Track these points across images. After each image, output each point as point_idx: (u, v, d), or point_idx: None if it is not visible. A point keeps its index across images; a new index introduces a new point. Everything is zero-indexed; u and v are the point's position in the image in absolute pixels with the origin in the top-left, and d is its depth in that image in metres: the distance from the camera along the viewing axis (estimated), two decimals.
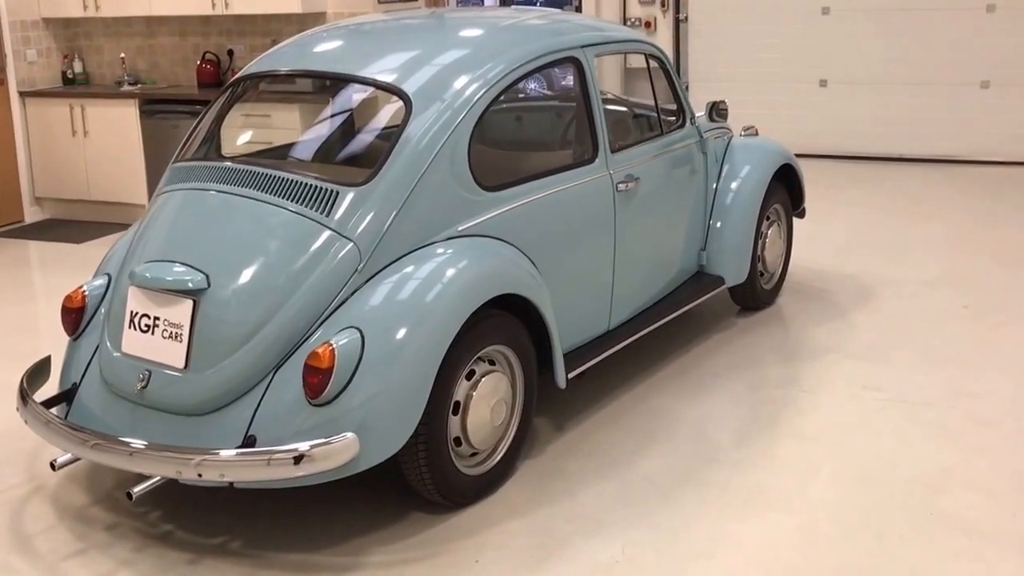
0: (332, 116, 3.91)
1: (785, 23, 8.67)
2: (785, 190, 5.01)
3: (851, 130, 8.62)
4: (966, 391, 4.00)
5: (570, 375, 3.57)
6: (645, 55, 4.24)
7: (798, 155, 5.17)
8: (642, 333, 4.00)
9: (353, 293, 3.02)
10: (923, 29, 8.24)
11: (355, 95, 3.80)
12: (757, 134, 5.04)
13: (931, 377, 4.14)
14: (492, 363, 3.28)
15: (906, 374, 4.17)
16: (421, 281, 3.06)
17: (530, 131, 4.53)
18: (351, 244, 3.04)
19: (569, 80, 4.35)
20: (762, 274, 4.90)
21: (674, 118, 4.38)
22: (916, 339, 4.56)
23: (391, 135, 3.25)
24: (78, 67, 7.68)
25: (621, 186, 3.78)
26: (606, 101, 4.18)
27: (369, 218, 3.07)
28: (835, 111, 8.65)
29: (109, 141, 7.07)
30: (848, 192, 7.52)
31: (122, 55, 7.50)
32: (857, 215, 6.87)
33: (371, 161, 3.20)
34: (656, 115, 4.25)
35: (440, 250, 3.16)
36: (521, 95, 4.69)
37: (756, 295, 4.86)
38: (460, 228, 3.23)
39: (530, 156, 3.95)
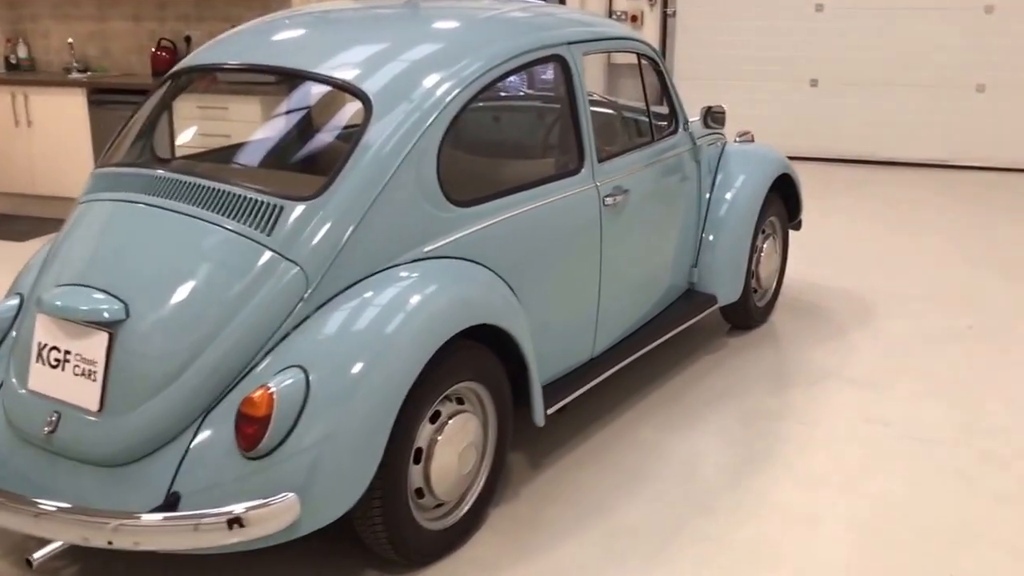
0: (285, 117, 3.49)
1: (777, 20, 8.32)
2: (781, 201, 4.66)
3: (842, 132, 8.30)
4: (979, 426, 3.66)
5: (549, 411, 3.19)
6: (637, 54, 3.86)
7: (787, 157, 4.83)
8: (628, 360, 3.63)
9: (298, 325, 2.63)
10: (919, 29, 7.92)
11: (311, 94, 3.39)
12: (752, 140, 4.68)
13: (939, 409, 3.80)
14: (461, 402, 2.90)
15: (912, 405, 3.83)
16: (380, 310, 2.66)
17: (509, 139, 4.13)
18: (296, 268, 2.64)
19: (553, 81, 3.96)
20: (755, 291, 4.55)
21: (666, 123, 4.01)
22: (920, 363, 4.22)
23: (348, 141, 2.85)
24: (22, 52, 7.19)
25: (609, 200, 3.41)
26: (593, 104, 3.80)
27: (319, 237, 2.67)
28: (826, 112, 8.33)
29: (55, 132, 6.60)
30: (840, 198, 7.19)
31: (70, 40, 7.02)
32: (851, 223, 6.54)
33: (324, 171, 2.80)
34: (647, 120, 3.87)
35: (403, 274, 2.77)
36: (499, 98, 4.29)
37: (749, 313, 4.51)
38: (427, 248, 2.84)
39: (508, 166, 3.56)
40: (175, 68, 3.45)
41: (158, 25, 6.87)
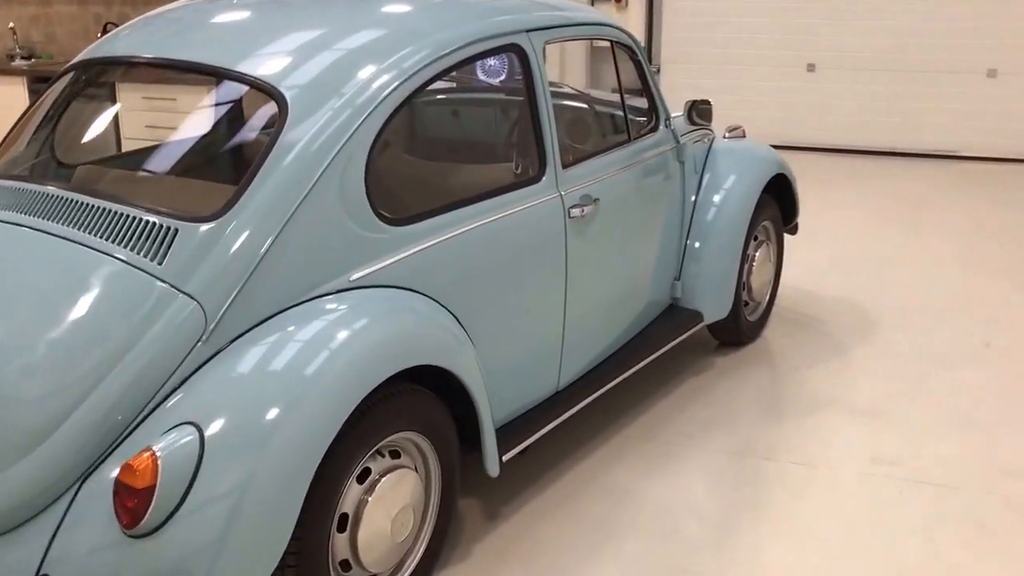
0: (199, 119, 3.03)
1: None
2: (775, 203, 4.22)
3: (842, 120, 7.82)
4: (1002, 467, 3.22)
5: (506, 457, 2.75)
6: (610, 41, 3.40)
7: (781, 147, 4.39)
8: (599, 393, 3.19)
9: (194, 372, 2.19)
10: (926, 9, 7.44)
11: (227, 93, 2.93)
12: (744, 136, 4.23)
13: (955, 445, 3.36)
14: (396, 456, 2.46)
15: (924, 440, 3.39)
16: (295, 351, 2.21)
17: (456, 143, 3.65)
18: (193, 303, 2.19)
19: (510, 74, 3.50)
20: (747, 304, 4.11)
21: (645, 119, 3.55)
22: (931, 388, 3.79)
23: (258, 150, 2.39)
24: None
25: (575, 211, 2.95)
26: (558, 97, 3.34)
27: (220, 266, 2.22)
28: (824, 99, 7.85)
29: None
30: (839, 192, 6.74)
31: (12, 25, 6.52)
32: (850, 221, 6.09)
33: (228, 187, 2.36)
34: (623, 116, 3.42)
35: (326, 307, 2.32)
36: (445, 94, 3.80)
37: (739, 329, 4.06)
38: (354, 276, 2.38)
39: (455, 175, 3.11)
40: (74, 60, 3.00)
41: (105, 9, 6.39)
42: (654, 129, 3.53)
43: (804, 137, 7.81)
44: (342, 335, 2.26)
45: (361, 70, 2.51)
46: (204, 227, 2.25)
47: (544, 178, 2.88)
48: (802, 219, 4.57)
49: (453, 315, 2.58)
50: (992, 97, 7.43)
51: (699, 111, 3.71)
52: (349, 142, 2.38)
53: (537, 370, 2.97)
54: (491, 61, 3.63)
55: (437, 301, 2.55)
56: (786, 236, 4.41)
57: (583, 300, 3.07)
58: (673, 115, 3.65)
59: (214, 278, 2.21)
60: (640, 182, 3.38)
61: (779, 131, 7.67)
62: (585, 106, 3.67)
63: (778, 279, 4.37)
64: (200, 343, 2.19)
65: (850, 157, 7.87)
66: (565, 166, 2.96)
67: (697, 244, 3.80)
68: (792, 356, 4.10)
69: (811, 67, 7.85)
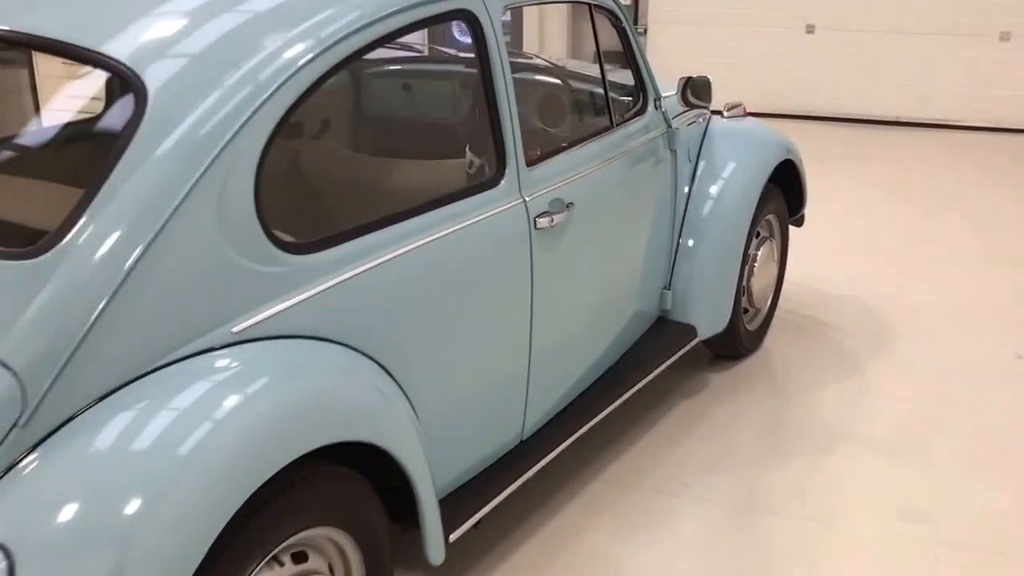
0: (36, 113, 2.38)
1: None
2: (780, 193, 3.62)
3: (844, 87, 7.21)
4: None
5: (453, 537, 2.18)
6: (588, 5, 2.77)
7: (778, 116, 3.78)
8: (573, 438, 2.61)
9: (9, 470, 1.59)
10: None
11: (82, 77, 2.27)
12: (745, 114, 3.62)
13: (997, 492, 2.80)
14: (303, 559, 1.87)
15: (959, 487, 2.83)
16: (154, 433, 1.61)
17: (386, 138, 2.98)
18: (7, 374, 1.59)
19: (459, 47, 2.87)
20: (746, 311, 3.53)
21: (630, 99, 2.94)
22: (961, 415, 3.23)
23: (106, 156, 1.77)
24: None
25: (543, 220, 2.34)
26: (524, 72, 2.74)
27: (44, 320, 1.61)
28: (825, 63, 7.23)
29: None
30: (842, 167, 6.14)
31: None
32: (855, 201, 5.50)
33: (61, 208, 1.74)
34: (604, 95, 2.80)
35: (205, 365, 1.73)
36: (372, 74, 3.11)
37: (737, 341, 3.49)
38: (239, 327, 1.77)
39: (385, 180, 2.48)
40: None
41: None
42: (641, 111, 2.91)
43: (802, 104, 7.20)
44: (225, 408, 1.67)
45: (262, 41, 1.89)
46: (22, 267, 1.64)
47: (503, 181, 2.26)
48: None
49: (381, 367, 1.98)
50: (1005, 62, 6.82)
51: (696, 89, 3.08)
52: (236, 139, 1.76)
53: (496, 420, 2.38)
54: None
55: (359, 351, 1.95)
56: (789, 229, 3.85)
57: (553, 329, 2.48)
58: (664, 94, 3.04)
59: (35, 337, 1.60)
60: (624, 179, 2.77)
61: (775, 98, 7.06)
62: (557, 83, 3.04)
63: (781, 280, 3.79)
64: (15, 430, 1.58)
65: (852, 127, 7.25)
66: (531, 163, 2.35)
67: (690, 244, 3.21)
68: (798, 372, 3.53)
69: (810, 28, 7.20)
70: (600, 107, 2.82)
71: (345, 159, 2.49)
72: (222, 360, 1.74)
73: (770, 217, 3.57)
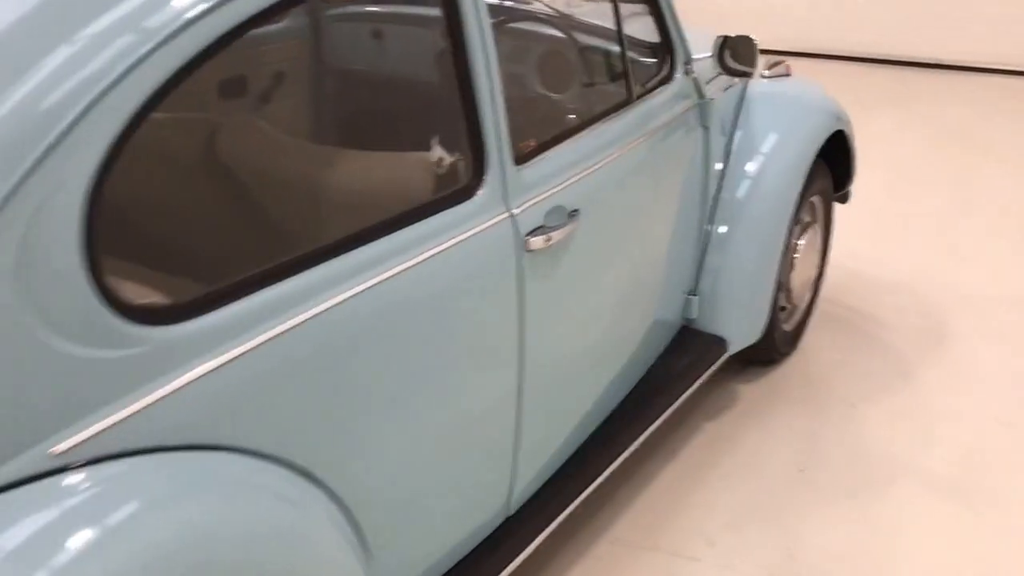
0: None
1: None
2: (827, 169, 3.04)
3: (875, 23, 6.50)
4: None
5: None
6: None
7: (795, 54, 3.16)
8: (572, 507, 2.07)
9: None
10: None
11: None
12: (789, 73, 3.01)
13: None
14: None
15: None
16: None
17: (307, 129, 2.20)
18: None
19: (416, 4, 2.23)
20: (783, 308, 2.99)
21: (655, 62, 2.34)
22: None
23: None
24: None
25: (536, 240, 1.77)
26: (513, 21, 2.15)
27: None
28: None
29: None
30: (875, 119, 5.47)
31: None
32: (895, 161, 4.88)
33: None
34: (621, 59, 2.20)
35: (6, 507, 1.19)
36: (292, 33, 2.16)
37: (771, 345, 2.93)
38: (66, 444, 1.18)
39: (302, 199, 1.84)
40: None
41: None
42: (667, 79, 2.31)
43: (828, 42, 6.52)
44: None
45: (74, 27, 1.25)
46: None
47: (483, 187, 1.69)
48: None
49: (306, 471, 1.44)
50: None
51: (737, 51, 2.45)
52: (56, 151, 1.18)
53: (474, 496, 1.84)
54: None
55: (268, 455, 1.39)
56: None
57: (548, 375, 1.92)
58: (696, 56, 2.43)
59: None
60: (645, 170, 2.19)
61: (797, 33, 6.39)
62: (560, 39, 2.42)
63: (823, 271, 3.22)
64: None
65: (892, 70, 6.55)
66: (521, 159, 1.77)
67: (722, 237, 2.64)
68: (840, 382, 2.99)
69: None
70: (616, 74, 2.22)
71: (242, 164, 1.85)
72: (34, 498, 1.17)
73: (814, 198, 3.00)
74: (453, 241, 1.62)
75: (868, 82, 6.26)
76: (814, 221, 3.03)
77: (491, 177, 1.70)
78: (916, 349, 3.16)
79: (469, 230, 1.65)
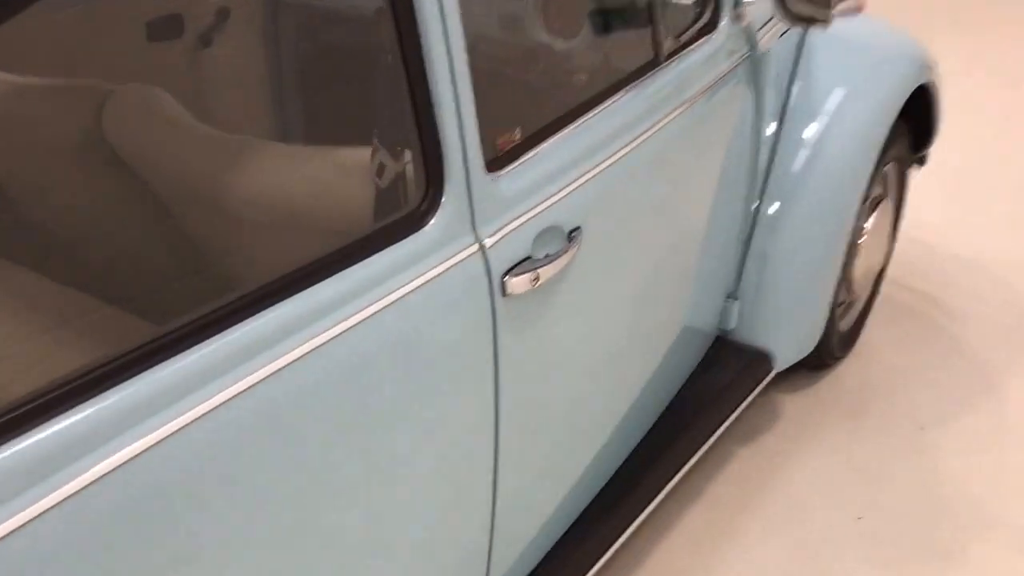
0: None
1: None
2: (905, 128, 2.45)
3: None
4: None
5: None
6: None
7: None
8: None
9: None
10: None
11: None
12: (861, 9, 2.39)
13: None
14: None
15: None
16: None
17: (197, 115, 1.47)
18: None
19: None
20: (840, 304, 2.44)
21: (693, 4, 1.75)
22: None
23: None
24: None
25: (517, 280, 1.22)
26: None
27: None
28: None
29: None
30: (946, 49, 4.76)
31: None
32: (966, 101, 4.20)
33: None
34: (646, 7, 1.62)
35: None
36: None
37: (824, 348, 2.39)
38: None
39: (175, 223, 1.32)
40: None
41: None
42: (710, 27, 1.73)
43: None
44: None
45: None
46: None
47: (438, 211, 1.15)
48: None
49: None
50: None
51: None
52: None
53: None
54: None
55: None
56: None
57: (529, 455, 1.41)
58: None
59: None
60: (675, 157, 1.63)
61: None
62: None
63: (890, 254, 2.66)
64: None
65: None
66: (497, 163, 1.22)
67: (772, 225, 2.09)
68: (906, 396, 2.44)
69: None
70: (641, 23, 1.63)
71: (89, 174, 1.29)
72: None
73: (887, 167, 2.42)
74: (389, 298, 1.08)
75: (933, 2, 5.52)
76: (885, 195, 2.45)
77: (451, 193, 1.15)
78: (999, 352, 2.60)
79: (415, 277, 1.11)
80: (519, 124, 1.27)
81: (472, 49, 1.16)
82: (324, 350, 1.02)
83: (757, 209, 2.11)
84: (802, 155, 2.14)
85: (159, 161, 1.34)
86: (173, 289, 1.13)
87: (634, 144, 1.46)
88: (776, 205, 2.13)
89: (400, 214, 1.12)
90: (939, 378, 2.50)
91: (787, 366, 2.17)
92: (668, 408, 1.91)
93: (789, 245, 2.12)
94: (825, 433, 2.32)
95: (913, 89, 2.25)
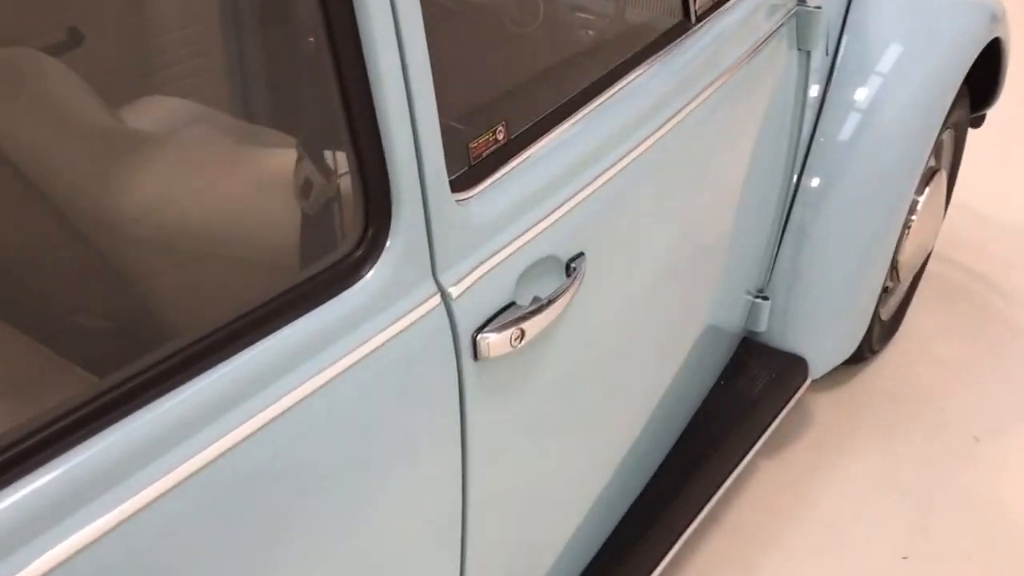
0: None
1: None
2: (965, 88, 2.09)
3: None
4: None
5: None
6: None
7: None
8: None
9: None
10: None
11: None
12: None
13: None
14: None
15: None
16: None
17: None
18: None
19: None
20: (884, 290, 2.12)
21: None
22: None
23: None
24: None
25: (493, 338, 0.90)
26: None
27: None
28: None
29: None
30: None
31: None
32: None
33: None
34: None
35: None
36: None
37: (863, 340, 2.07)
38: None
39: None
40: None
41: None
42: None
43: None
44: None
45: None
46: None
47: (384, 254, 0.81)
48: None
49: None
50: None
51: None
52: None
53: None
54: None
55: None
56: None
57: (507, 543, 1.11)
58: None
59: None
60: (704, 145, 1.29)
61: None
62: None
63: (938, 228, 2.33)
64: None
65: None
66: (465, 181, 0.89)
67: (811, 212, 1.76)
68: (956, 398, 2.12)
69: None
70: None
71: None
72: None
73: (945, 133, 2.08)
74: (310, 384, 0.77)
75: None
76: (939, 167, 2.11)
77: (400, 227, 0.83)
78: None
79: (346, 352, 0.80)
80: (501, 120, 0.94)
81: (433, 16, 0.83)
82: (248, 446, 0.72)
83: (796, 187, 1.78)
84: (851, 122, 1.80)
85: (37, 153, 1.02)
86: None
87: (658, 134, 1.13)
88: (818, 180, 1.80)
89: (330, 260, 0.80)
90: (995, 375, 2.18)
91: (824, 373, 1.86)
92: (681, 437, 1.61)
93: (833, 227, 1.79)
94: (861, 444, 2.02)
95: (984, 46, 1.90)
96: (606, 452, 1.28)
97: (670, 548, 1.46)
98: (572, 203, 0.99)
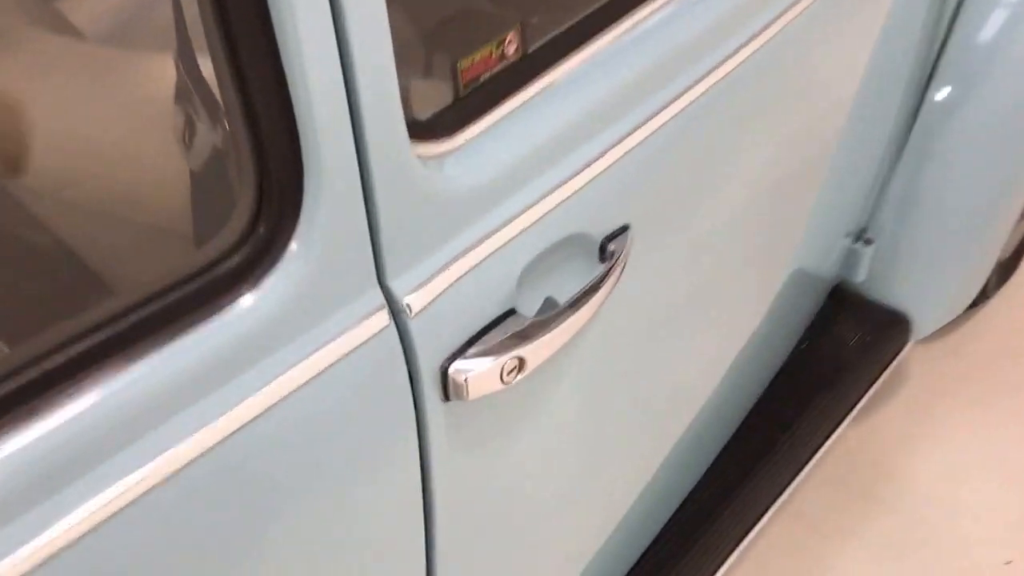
0: None
1: None
2: None
3: None
4: None
5: None
6: None
7: None
8: None
9: None
10: None
11: None
12: None
13: None
14: None
15: None
16: None
17: None
18: None
19: None
20: None
21: None
22: None
23: None
24: None
25: (473, 366, 0.57)
26: None
27: None
28: None
29: None
30: None
31: None
32: None
33: None
34: None
35: None
36: None
37: None
38: None
39: None
40: None
41: None
42: None
43: None
44: None
45: None
46: None
47: (288, 249, 0.48)
48: None
49: None
50: None
51: None
52: None
53: None
54: None
55: None
56: None
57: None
58: None
59: None
60: (799, 58, 0.91)
61: None
62: None
63: None
64: None
65: None
66: (436, 123, 0.54)
67: (937, 129, 1.38)
68: None
69: None
70: None
71: None
72: None
73: None
74: (229, 411, 0.47)
75: None
76: None
77: (321, 200, 0.49)
78: None
79: (226, 407, 0.49)
80: (514, 22, 0.59)
81: None
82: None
83: (919, 101, 1.40)
84: (997, 18, 1.40)
85: None
86: None
87: (746, 50, 0.77)
88: (948, 91, 1.41)
89: (200, 262, 0.48)
90: None
91: (929, 333, 1.51)
92: (756, 405, 1.28)
93: (963, 148, 1.40)
94: (964, 413, 1.67)
95: None
96: (635, 482, 0.96)
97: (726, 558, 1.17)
98: (615, 154, 0.65)
